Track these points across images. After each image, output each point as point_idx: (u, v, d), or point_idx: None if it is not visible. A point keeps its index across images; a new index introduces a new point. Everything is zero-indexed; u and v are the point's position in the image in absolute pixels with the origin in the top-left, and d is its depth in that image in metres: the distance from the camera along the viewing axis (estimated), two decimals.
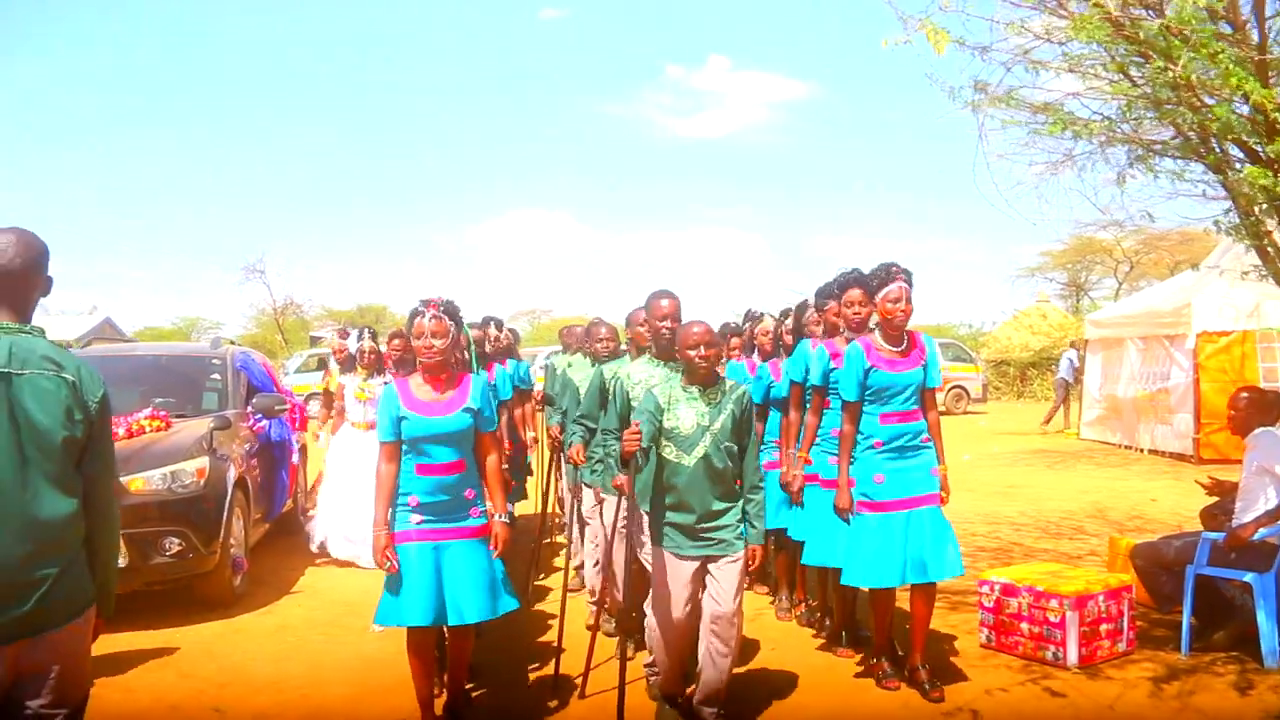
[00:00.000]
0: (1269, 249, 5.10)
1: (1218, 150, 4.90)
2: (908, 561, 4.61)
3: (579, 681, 4.88)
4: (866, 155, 66.22)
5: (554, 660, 5.17)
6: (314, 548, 7.82)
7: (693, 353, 4.19)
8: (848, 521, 4.76)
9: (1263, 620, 4.86)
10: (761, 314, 6.33)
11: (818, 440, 5.26)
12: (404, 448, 4.13)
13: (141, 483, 6.01)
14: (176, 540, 6.01)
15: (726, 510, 4.23)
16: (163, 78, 60.88)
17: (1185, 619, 5.15)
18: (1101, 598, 5.07)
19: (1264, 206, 4.82)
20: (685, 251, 64.81)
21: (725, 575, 4.19)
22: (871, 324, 4.96)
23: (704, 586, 4.24)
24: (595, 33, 66.83)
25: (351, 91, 64.64)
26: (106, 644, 5.67)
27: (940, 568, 4.65)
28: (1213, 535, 5.15)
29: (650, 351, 4.93)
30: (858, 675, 5.06)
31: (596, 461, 5.41)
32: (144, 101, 59.87)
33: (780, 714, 4.64)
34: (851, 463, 4.80)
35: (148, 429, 6.49)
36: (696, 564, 4.20)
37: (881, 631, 4.91)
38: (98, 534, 2.68)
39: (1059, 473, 12.96)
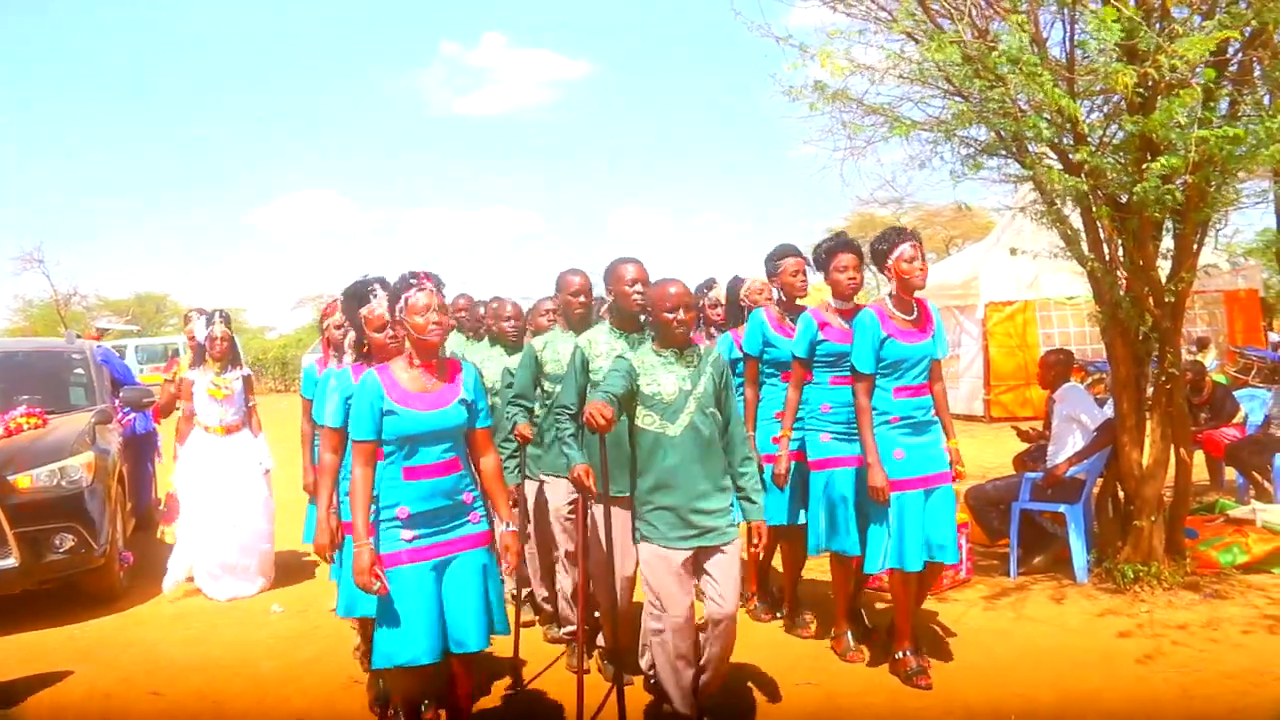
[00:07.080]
0: (1069, 232, 6.06)
1: (1031, 151, 5.81)
2: (927, 542, 4.39)
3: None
4: (644, 133, 68.65)
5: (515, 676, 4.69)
6: (167, 587, 6.71)
7: (671, 315, 3.80)
8: (885, 502, 4.34)
9: (1074, 543, 5.85)
10: (714, 281, 5.97)
11: (799, 418, 4.83)
12: (386, 449, 3.49)
13: (29, 480, 5.93)
14: (69, 537, 5.98)
15: (718, 490, 3.84)
16: None
17: (1012, 547, 6.10)
18: None
19: (1067, 199, 5.76)
20: (467, 230, 65.15)
21: (722, 571, 3.79)
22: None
23: (698, 582, 3.84)
24: (369, 8, 65.34)
25: (122, 75, 60.82)
26: (8, 646, 5.65)
27: (950, 550, 4.47)
28: (1033, 475, 6.12)
29: (608, 320, 4.53)
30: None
31: (546, 446, 4.91)
32: None
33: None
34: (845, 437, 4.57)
35: (25, 427, 6.36)
36: (688, 554, 3.78)
37: (905, 620, 4.54)
38: None
39: None
